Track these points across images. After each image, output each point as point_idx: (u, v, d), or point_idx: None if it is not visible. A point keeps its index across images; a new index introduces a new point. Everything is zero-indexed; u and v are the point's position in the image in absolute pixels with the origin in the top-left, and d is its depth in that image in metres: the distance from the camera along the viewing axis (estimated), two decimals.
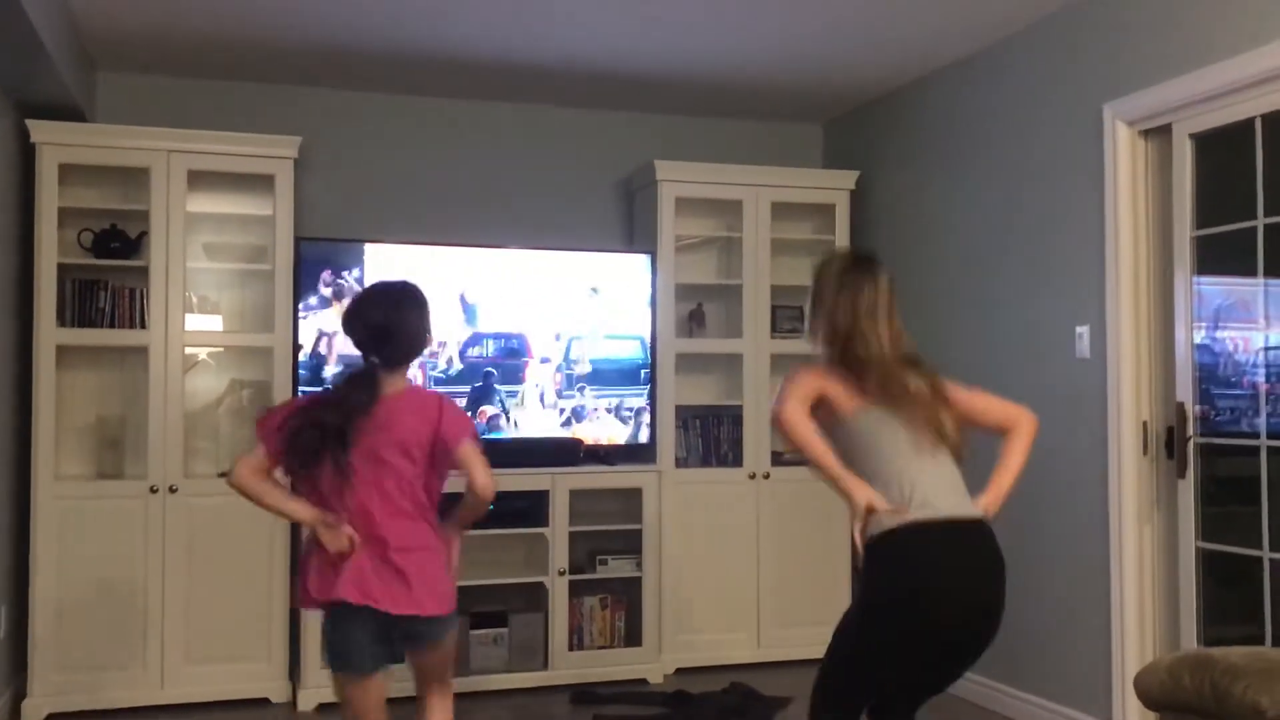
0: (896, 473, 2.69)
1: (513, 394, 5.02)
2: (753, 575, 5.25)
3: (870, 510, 2.64)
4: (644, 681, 4.96)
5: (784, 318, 5.46)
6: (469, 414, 2.85)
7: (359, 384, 2.73)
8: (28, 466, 4.47)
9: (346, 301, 2.92)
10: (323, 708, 4.54)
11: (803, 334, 2.99)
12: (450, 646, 2.92)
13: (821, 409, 2.76)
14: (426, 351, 2.90)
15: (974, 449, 2.87)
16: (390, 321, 2.75)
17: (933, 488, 2.69)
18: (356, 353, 2.83)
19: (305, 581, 2.81)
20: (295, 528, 4.63)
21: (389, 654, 2.80)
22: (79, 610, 4.46)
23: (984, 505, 2.80)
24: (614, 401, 5.16)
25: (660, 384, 5.20)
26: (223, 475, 4.67)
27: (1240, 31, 3.52)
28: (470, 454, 2.79)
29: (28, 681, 4.42)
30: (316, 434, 2.66)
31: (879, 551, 2.67)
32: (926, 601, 2.63)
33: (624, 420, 5.17)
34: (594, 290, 5.16)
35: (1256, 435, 3.59)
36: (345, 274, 4.83)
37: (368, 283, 4.49)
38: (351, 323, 2.80)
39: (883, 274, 2.87)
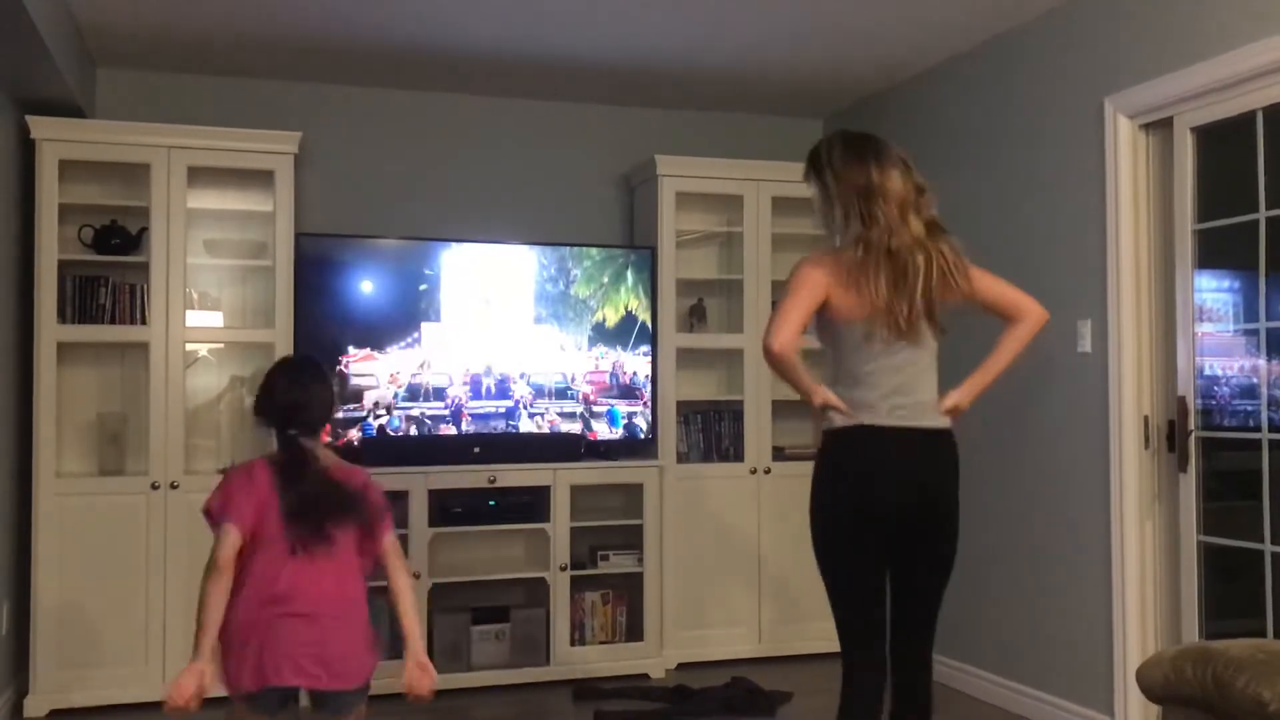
0: (865, 375, 2.80)
1: (510, 392, 5.02)
2: (754, 570, 5.25)
3: (825, 406, 2.80)
4: (645, 677, 4.96)
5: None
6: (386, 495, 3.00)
7: (307, 462, 2.84)
8: (29, 463, 4.47)
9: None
10: None
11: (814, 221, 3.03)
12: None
13: (822, 308, 2.83)
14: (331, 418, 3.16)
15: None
16: (303, 397, 2.92)
17: (895, 393, 2.79)
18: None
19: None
20: None
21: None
22: (80, 607, 4.46)
23: (954, 400, 2.90)
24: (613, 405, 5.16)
25: (661, 379, 5.20)
26: (225, 471, 4.71)
27: (1241, 24, 3.51)
28: (394, 551, 2.92)
29: (29, 678, 4.42)
30: (318, 513, 2.79)
31: (826, 447, 2.85)
32: (861, 485, 2.77)
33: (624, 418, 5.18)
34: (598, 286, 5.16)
35: (1258, 429, 3.59)
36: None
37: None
38: (267, 403, 2.94)
39: (888, 148, 2.89)
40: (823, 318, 2.87)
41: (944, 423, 2.89)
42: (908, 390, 2.83)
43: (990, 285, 2.95)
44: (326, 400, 2.99)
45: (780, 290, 2.86)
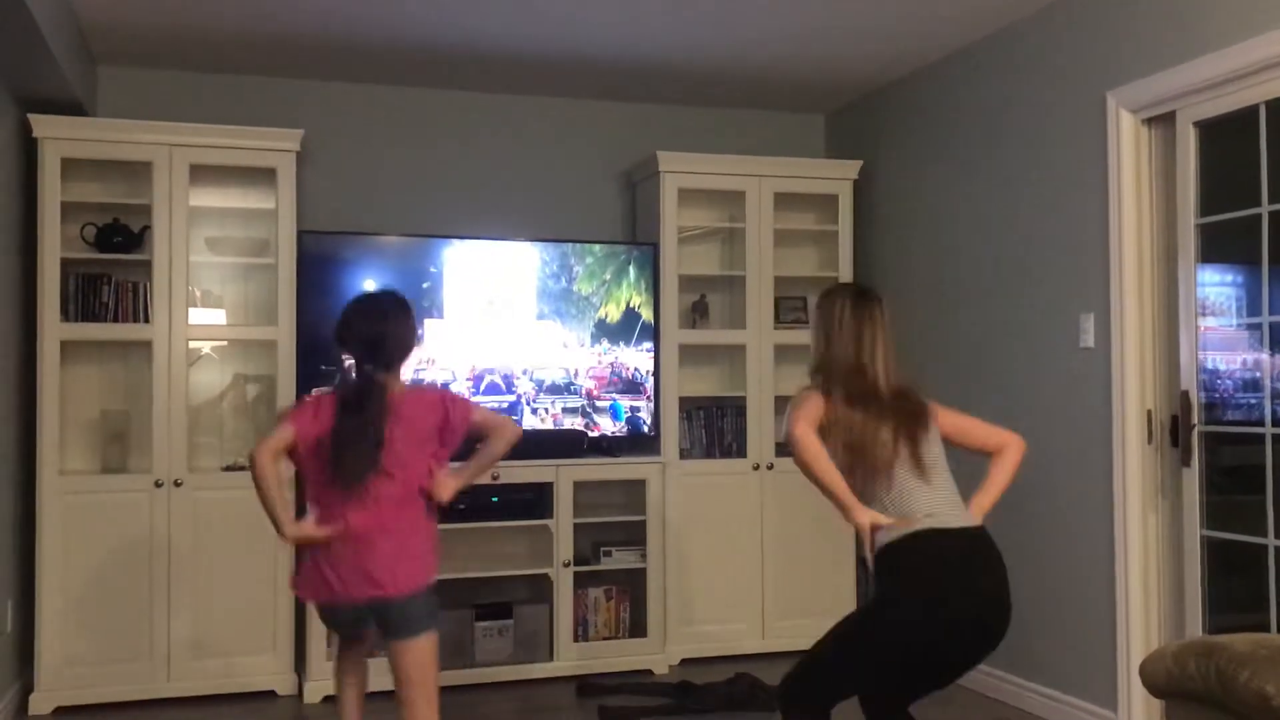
0: (900, 489, 2.87)
1: (513, 388, 5.02)
2: (757, 566, 5.26)
3: (874, 529, 2.82)
4: (649, 672, 4.97)
5: (787, 309, 5.46)
6: (462, 395, 3.12)
7: (369, 396, 2.92)
8: (33, 461, 4.48)
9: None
10: (329, 700, 4.55)
11: (807, 365, 3.14)
12: (429, 650, 3.01)
13: (825, 431, 2.91)
14: (416, 353, 3.11)
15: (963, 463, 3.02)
16: (381, 332, 2.98)
17: (936, 502, 2.87)
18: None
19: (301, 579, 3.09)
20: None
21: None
22: (85, 604, 4.47)
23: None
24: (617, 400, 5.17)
25: (663, 375, 5.20)
26: (229, 469, 4.73)
27: (1244, 18, 3.50)
28: (486, 419, 3.06)
29: (34, 675, 4.43)
30: (356, 456, 2.87)
31: (891, 559, 2.82)
32: (949, 600, 2.77)
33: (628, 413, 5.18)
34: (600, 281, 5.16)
35: (1261, 423, 3.58)
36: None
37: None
38: (345, 335, 3.01)
39: (881, 308, 3.05)
40: (828, 440, 2.92)
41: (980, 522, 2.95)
42: (946, 502, 2.91)
43: (964, 426, 3.06)
44: (406, 335, 3.02)
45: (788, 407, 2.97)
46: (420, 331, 3.20)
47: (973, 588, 2.81)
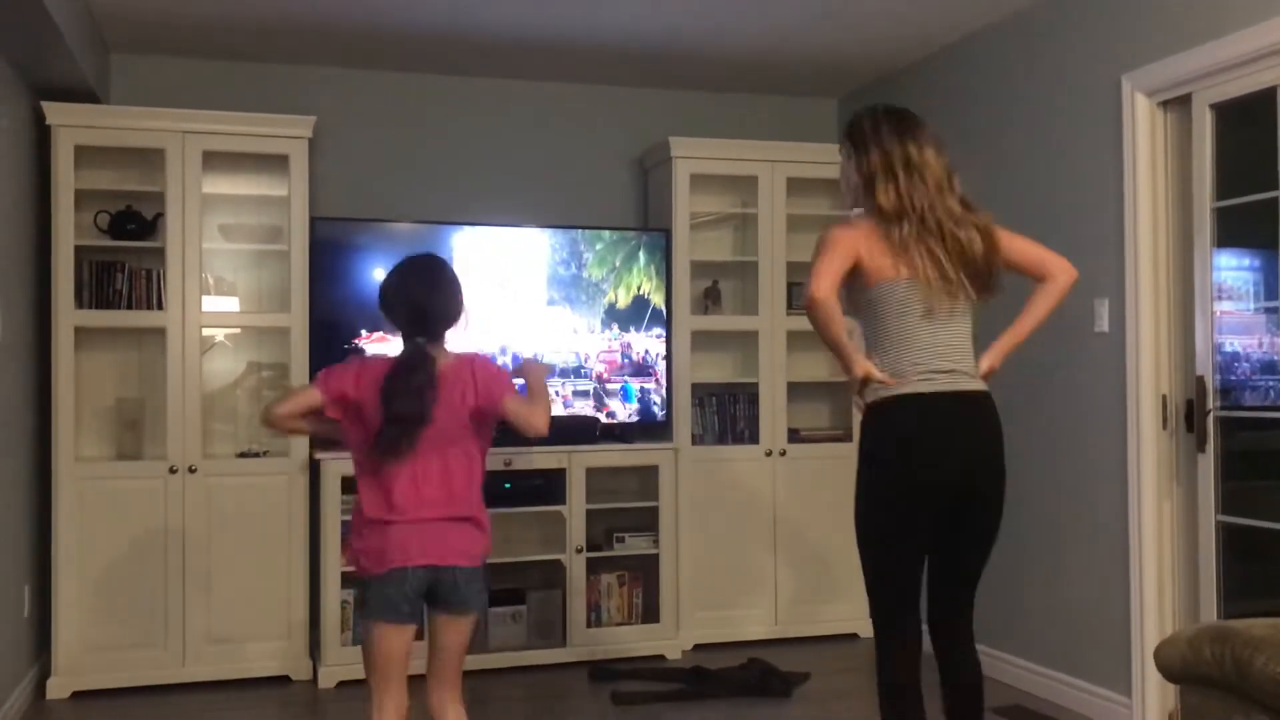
0: (907, 342, 2.79)
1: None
2: (769, 552, 5.26)
3: (866, 379, 2.77)
4: (662, 658, 4.98)
5: (800, 294, 5.44)
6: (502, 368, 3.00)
7: (418, 367, 2.82)
8: (48, 448, 4.50)
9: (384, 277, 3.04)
10: (343, 685, 4.57)
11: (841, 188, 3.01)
12: (472, 631, 2.96)
13: (853, 274, 2.81)
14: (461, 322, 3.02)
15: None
16: (431, 300, 2.88)
17: (938, 358, 2.79)
18: None
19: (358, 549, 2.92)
20: (315, 507, 4.66)
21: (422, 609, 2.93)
22: (101, 590, 4.49)
23: (986, 363, 2.91)
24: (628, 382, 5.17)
25: (676, 361, 5.20)
26: (243, 455, 4.75)
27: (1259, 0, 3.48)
28: (515, 405, 2.89)
29: (51, 660, 4.46)
30: (399, 431, 2.78)
31: (874, 417, 2.81)
32: (916, 457, 2.74)
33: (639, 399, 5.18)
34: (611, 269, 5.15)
35: (1277, 408, 3.56)
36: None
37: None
38: (392, 303, 2.91)
39: (925, 126, 2.92)
40: (854, 285, 2.85)
41: (984, 386, 2.88)
42: (949, 356, 2.82)
43: (1020, 246, 2.95)
44: (454, 302, 2.93)
45: (813, 253, 2.83)
46: (463, 297, 3.01)
47: (948, 453, 2.75)
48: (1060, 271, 2.93)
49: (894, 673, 2.87)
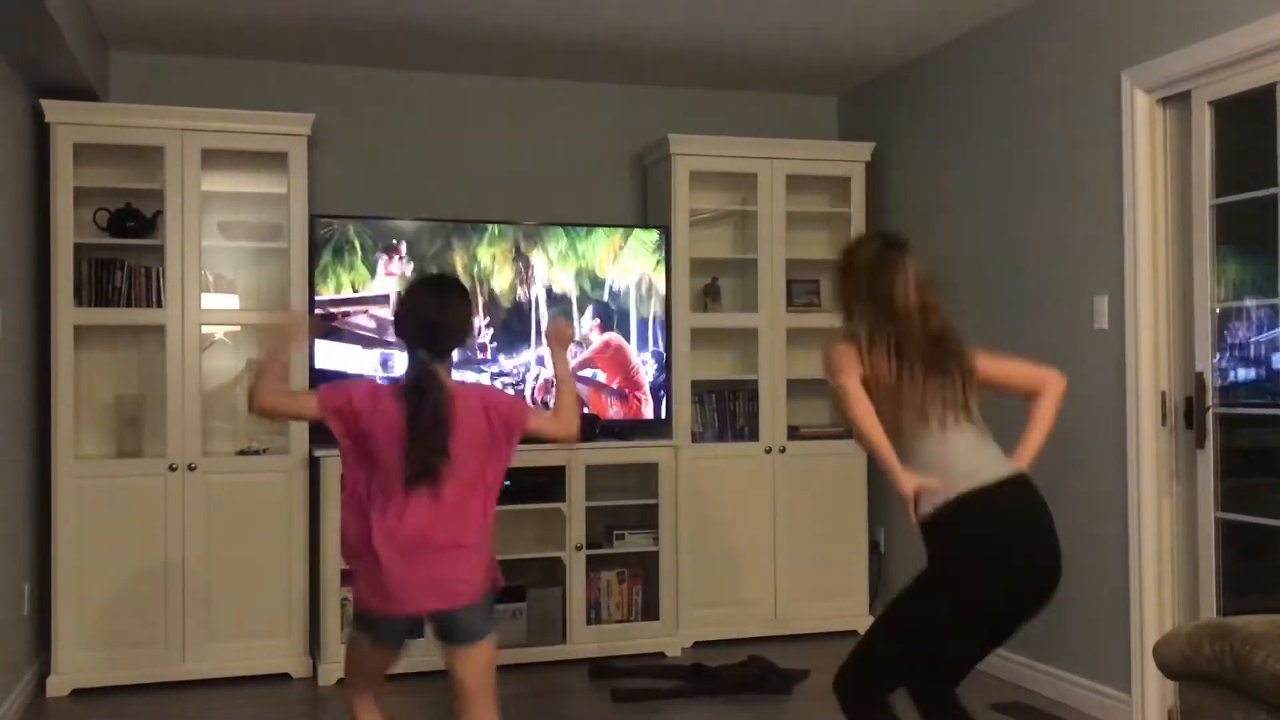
0: (938, 443, 2.79)
1: (525, 369, 5.02)
2: (769, 549, 5.26)
3: (918, 494, 2.74)
4: (661, 655, 4.98)
5: (799, 292, 5.44)
6: (508, 392, 2.95)
7: (430, 387, 2.77)
8: (48, 446, 4.50)
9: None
10: (343, 683, 4.57)
11: (831, 312, 3.04)
12: (489, 655, 2.88)
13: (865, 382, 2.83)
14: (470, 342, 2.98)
15: (1004, 410, 2.94)
16: (440, 318, 2.83)
17: (969, 458, 2.79)
18: None
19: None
20: (315, 504, 4.67)
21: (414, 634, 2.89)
22: (101, 588, 4.49)
23: (1017, 464, 2.90)
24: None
25: (675, 359, 5.20)
26: (242, 453, 4.75)
27: None
28: (540, 423, 2.90)
29: (51, 658, 4.47)
30: (425, 455, 2.72)
31: (940, 526, 2.76)
32: (1003, 558, 2.74)
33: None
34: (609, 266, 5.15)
35: (1276, 405, 3.56)
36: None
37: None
38: (403, 320, 2.87)
39: (912, 254, 2.93)
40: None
41: (1021, 469, 2.88)
42: (983, 454, 2.83)
43: (1006, 370, 2.98)
44: (466, 323, 2.90)
45: (827, 371, 2.86)
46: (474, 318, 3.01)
47: (1027, 540, 2.78)
48: (1052, 383, 2.98)
49: None
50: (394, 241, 4.89)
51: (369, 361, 4.79)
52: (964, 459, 2.78)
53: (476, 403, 2.82)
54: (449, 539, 2.76)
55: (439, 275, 3.11)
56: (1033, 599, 2.82)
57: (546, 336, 3.01)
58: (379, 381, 2.96)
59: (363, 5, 4.46)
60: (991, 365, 2.93)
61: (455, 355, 2.96)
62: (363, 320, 4.83)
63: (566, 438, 2.93)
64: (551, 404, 2.94)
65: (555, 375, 3.00)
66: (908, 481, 2.75)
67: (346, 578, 4.61)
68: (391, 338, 4.79)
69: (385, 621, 2.80)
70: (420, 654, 3.01)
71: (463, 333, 2.90)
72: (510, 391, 4.91)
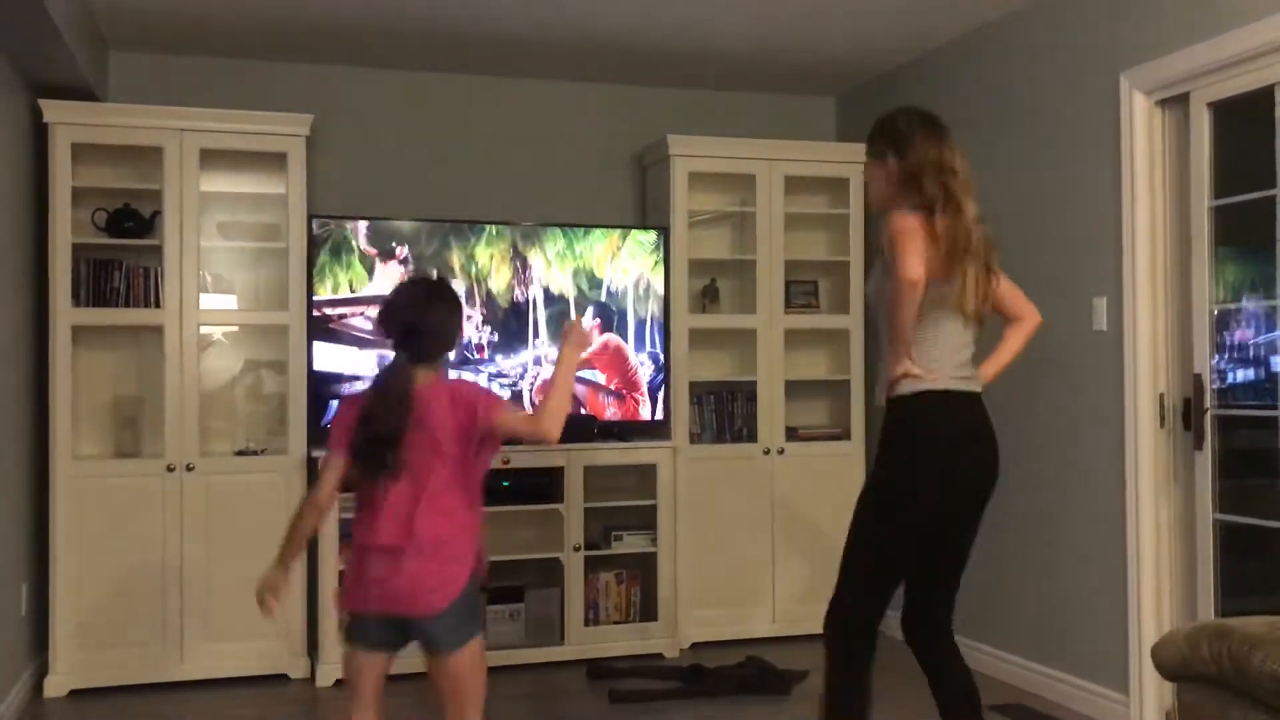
0: (944, 340, 2.90)
1: (523, 369, 5.02)
2: (767, 550, 5.26)
3: (906, 375, 2.86)
4: (660, 656, 4.98)
5: (798, 293, 5.44)
6: (485, 387, 2.89)
7: (392, 378, 2.78)
8: (46, 446, 4.50)
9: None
10: (341, 683, 4.57)
11: (874, 174, 3.07)
12: (470, 660, 2.81)
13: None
14: (456, 346, 2.93)
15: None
16: (419, 320, 2.80)
17: (965, 362, 2.94)
18: None
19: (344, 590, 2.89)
20: None
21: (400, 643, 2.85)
22: (99, 588, 4.49)
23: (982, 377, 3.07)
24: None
25: (674, 360, 5.20)
26: (240, 454, 4.75)
27: None
28: (513, 421, 2.83)
29: (49, 659, 4.46)
30: (376, 450, 2.72)
31: (911, 413, 2.87)
32: (961, 454, 2.88)
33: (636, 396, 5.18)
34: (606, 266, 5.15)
35: (1274, 407, 3.57)
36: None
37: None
38: (385, 320, 2.85)
39: (952, 134, 3.03)
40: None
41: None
42: (970, 361, 2.98)
43: (1006, 286, 3.12)
44: (447, 326, 2.85)
45: (889, 238, 2.84)
46: (461, 323, 2.95)
47: (980, 459, 2.92)
48: (1033, 315, 3.17)
49: (854, 677, 2.95)
50: (392, 245, 4.88)
51: (365, 362, 4.79)
52: (964, 362, 2.93)
53: (444, 399, 2.77)
54: (423, 541, 2.71)
55: (424, 277, 3.07)
56: (974, 501, 2.95)
57: (563, 334, 2.93)
58: (354, 392, 2.96)
59: (361, 6, 4.46)
60: (1001, 279, 3.06)
61: (449, 357, 2.94)
62: (359, 321, 4.83)
63: (543, 440, 2.78)
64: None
65: (553, 375, 2.89)
66: (905, 365, 2.85)
67: (343, 579, 4.63)
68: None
69: (365, 620, 2.78)
70: (419, 654, 3.00)
71: (443, 337, 2.84)
72: (505, 392, 4.92)
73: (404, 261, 4.88)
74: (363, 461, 2.74)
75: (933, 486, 2.85)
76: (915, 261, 2.75)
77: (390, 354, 2.85)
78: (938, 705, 3.01)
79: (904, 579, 3.01)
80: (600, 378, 5.14)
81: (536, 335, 5.04)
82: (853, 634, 2.95)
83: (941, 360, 2.89)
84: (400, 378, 2.77)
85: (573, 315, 5.06)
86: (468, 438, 2.76)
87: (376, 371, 2.89)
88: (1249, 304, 3.81)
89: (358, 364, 4.80)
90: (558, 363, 2.90)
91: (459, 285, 4.89)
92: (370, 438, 2.72)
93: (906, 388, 2.87)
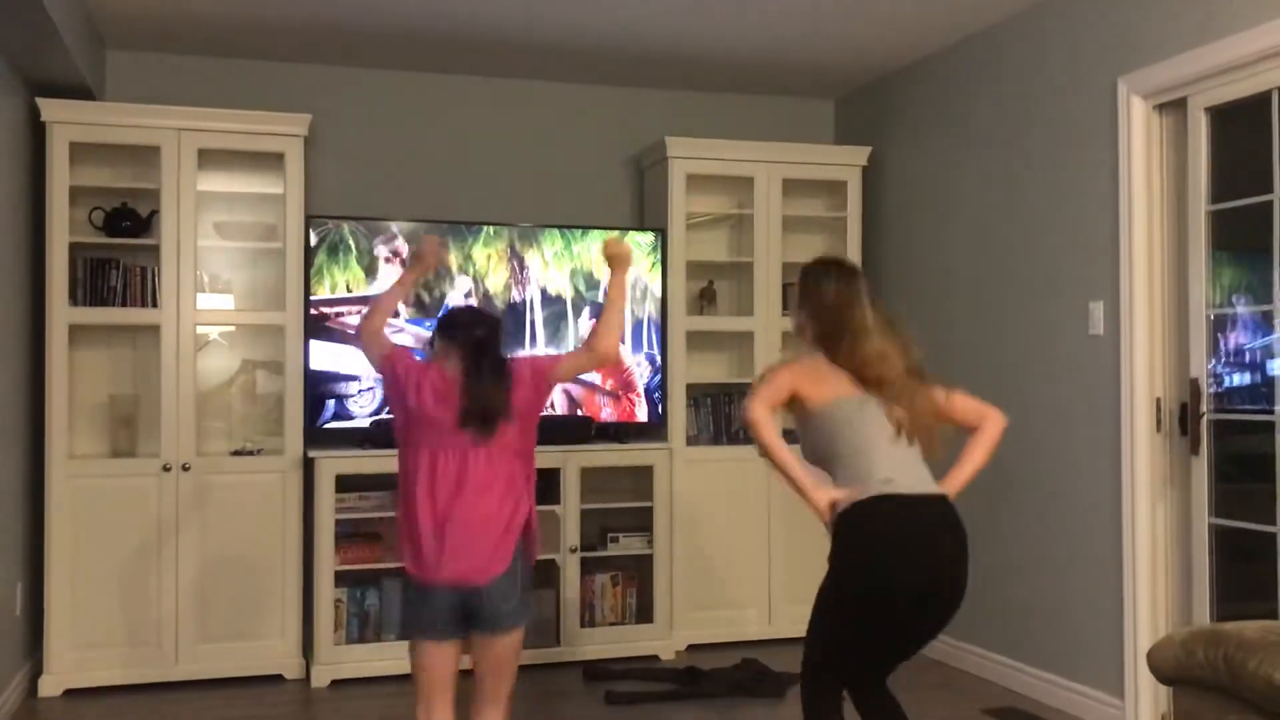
0: (864, 454, 2.82)
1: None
2: (764, 552, 5.26)
3: (833, 506, 2.79)
4: (655, 658, 4.98)
5: (795, 295, 5.44)
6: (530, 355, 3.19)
7: (487, 347, 2.97)
8: (41, 445, 4.49)
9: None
10: (336, 684, 4.57)
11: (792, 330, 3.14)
12: (516, 649, 2.95)
13: (795, 404, 2.91)
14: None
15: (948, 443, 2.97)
16: (491, 340, 3.02)
17: (897, 468, 2.80)
18: None
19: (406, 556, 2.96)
20: (309, 505, 4.66)
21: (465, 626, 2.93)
22: (94, 588, 4.48)
23: (945, 489, 2.90)
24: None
25: (671, 361, 5.20)
26: (237, 453, 4.74)
27: (1257, 3, 3.48)
28: (570, 361, 3.17)
29: (44, 658, 4.46)
30: (479, 420, 2.89)
31: (842, 524, 2.80)
32: (888, 564, 2.73)
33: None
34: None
35: (1271, 412, 3.57)
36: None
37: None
38: (457, 333, 3.01)
39: (863, 281, 3.04)
40: (799, 414, 2.93)
41: (945, 491, 2.88)
42: (912, 466, 2.84)
43: (959, 404, 3.00)
44: (501, 326, 3.12)
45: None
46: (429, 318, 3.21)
47: (918, 556, 2.74)
48: (993, 421, 2.99)
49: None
50: (390, 245, 4.88)
51: (363, 363, 4.78)
52: (888, 468, 2.79)
53: (526, 371, 3.02)
54: (488, 508, 2.86)
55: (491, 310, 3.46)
56: (923, 617, 2.80)
57: (608, 257, 3.13)
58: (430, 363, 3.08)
59: (361, 6, 4.46)
60: (943, 396, 2.96)
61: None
62: (356, 320, 4.82)
63: (605, 360, 3.11)
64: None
65: (607, 295, 3.12)
66: (820, 495, 2.81)
67: (340, 578, 4.63)
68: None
69: (431, 595, 2.84)
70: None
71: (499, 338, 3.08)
72: None
73: (404, 262, 4.88)
74: (468, 417, 2.87)
75: (855, 601, 2.78)
76: (756, 401, 2.85)
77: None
78: None
79: (847, 672, 2.92)
80: (597, 379, 5.14)
81: (534, 335, 5.04)
82: (812, 708, 2.93)
83: (863, 471, 2.80)
84: (489, 344, 2.97)
85: (565, 316, 5.06)
86: (537, 399, 3.01)
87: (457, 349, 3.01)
88: (1245, 308, 3.81)
89: (354, 364, 4.79)
90: (610, 285, 3.11)
91: (457, 285, 4.90)
92: (474, 411, 2.87)
93: (840, 507, 2.81)
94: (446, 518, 2.83)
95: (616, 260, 3.11)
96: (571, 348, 5.04)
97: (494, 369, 2.94)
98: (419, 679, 2.92)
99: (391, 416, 3.06)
